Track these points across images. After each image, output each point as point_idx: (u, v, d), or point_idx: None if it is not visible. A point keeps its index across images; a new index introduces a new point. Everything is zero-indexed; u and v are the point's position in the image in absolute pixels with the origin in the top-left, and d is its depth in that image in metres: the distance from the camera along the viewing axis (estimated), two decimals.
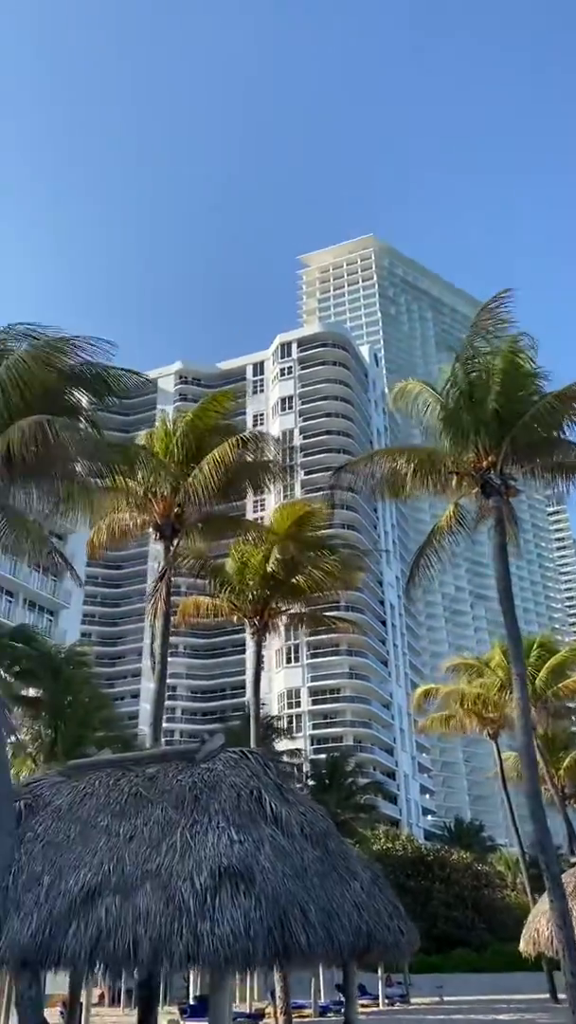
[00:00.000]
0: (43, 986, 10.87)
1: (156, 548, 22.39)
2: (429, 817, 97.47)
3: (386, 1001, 33.00)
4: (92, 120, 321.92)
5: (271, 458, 19.64)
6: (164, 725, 21.42)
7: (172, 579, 19.40)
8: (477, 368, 15.50)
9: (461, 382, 15.39)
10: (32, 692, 32.07)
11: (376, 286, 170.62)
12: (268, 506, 67.82)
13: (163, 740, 22.39)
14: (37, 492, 12.92)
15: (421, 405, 16.41)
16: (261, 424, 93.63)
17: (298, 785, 39.03)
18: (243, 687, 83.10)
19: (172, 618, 19.93)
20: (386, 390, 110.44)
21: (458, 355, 15.69)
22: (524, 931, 22.39)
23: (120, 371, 12.96)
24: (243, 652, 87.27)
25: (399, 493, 16.43)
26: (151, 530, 19.21)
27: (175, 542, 18.92)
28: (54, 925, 9.81)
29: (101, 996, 33.53)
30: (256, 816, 10.64)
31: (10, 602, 53.13)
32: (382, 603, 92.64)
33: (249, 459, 18.79)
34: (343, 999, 30.07)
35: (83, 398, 12.65)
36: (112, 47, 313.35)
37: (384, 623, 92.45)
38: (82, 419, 12.42)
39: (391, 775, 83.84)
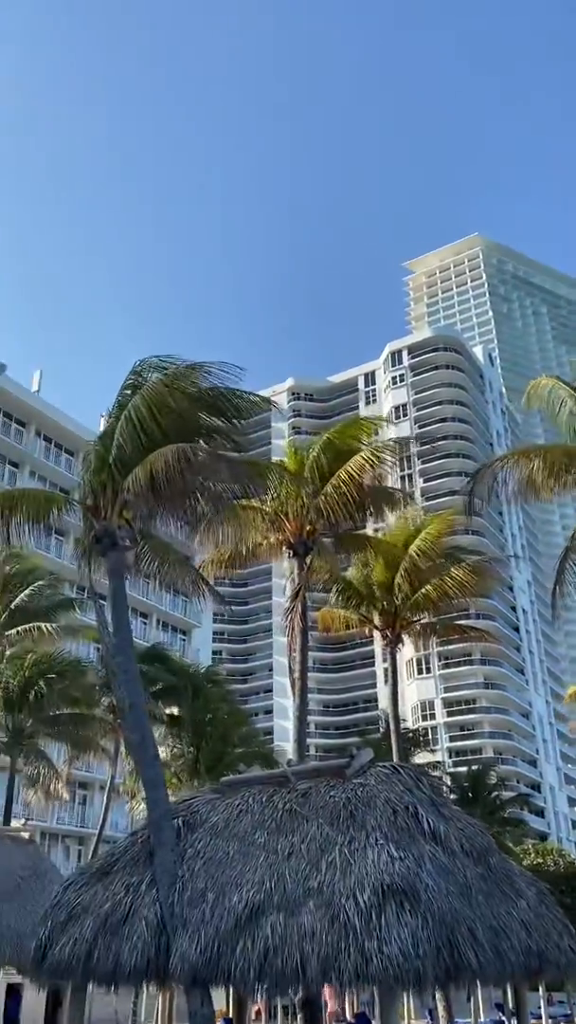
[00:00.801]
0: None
1: (281, 565, 22.56)
2: None
3: (550, 1021, 31.81)
4: (192, 136, 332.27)
5: (393, 461, 19.50)
6: None
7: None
8: None
9: None
10: (171, 711, 32.88)
11: (486, 285, 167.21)
12: (388, 516, 67.21)
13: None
14: (175, 518, 13.29)
15: (555, 401, 15.80)
16: (376, 435, 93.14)
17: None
18: (374, 700, 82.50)
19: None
20: (503, 390, 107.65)
21: None
22: None
23: (244, 393, 13.12)
24: (372, 665, 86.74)
25: (538, 495, 15.82)
26: (284, 548, 19.37)
27: (308, 559, 19.00)
28: (222, 942, 9.94)
29: (258, 1012, 33.81)
30: (414, 832, 10.44)
31: (145, 623, 55.03)
32: (514, 609, 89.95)
33: (368, 481, 18.67)
34: (503, 1018, 29.23)
35: (215, 421, 12.90)
36: (212, 53, 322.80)
37: (517, 629, 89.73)
38: (219, 440, 12.68)
39: (536, 787, 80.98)
